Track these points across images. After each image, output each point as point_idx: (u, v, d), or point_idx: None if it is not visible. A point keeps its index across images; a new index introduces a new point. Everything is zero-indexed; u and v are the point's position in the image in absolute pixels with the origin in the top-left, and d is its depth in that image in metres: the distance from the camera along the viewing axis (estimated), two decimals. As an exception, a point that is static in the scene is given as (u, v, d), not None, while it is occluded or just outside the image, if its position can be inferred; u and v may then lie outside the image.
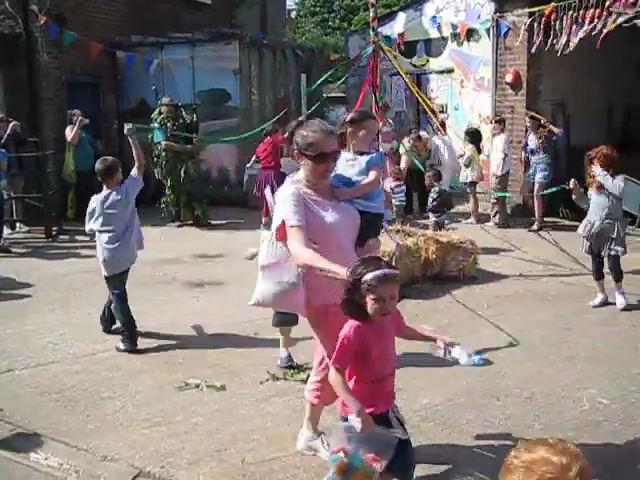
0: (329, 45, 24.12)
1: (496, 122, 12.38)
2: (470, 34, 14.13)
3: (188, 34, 14.90)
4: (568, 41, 9.86)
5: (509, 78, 12.98)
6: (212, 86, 14.63)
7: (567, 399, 5.27)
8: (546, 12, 10.45)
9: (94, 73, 14.25)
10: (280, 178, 12.29)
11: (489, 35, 13.58)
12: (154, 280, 9.06)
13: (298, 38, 28.95)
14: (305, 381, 5.58)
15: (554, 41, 10.14)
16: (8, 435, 4.82)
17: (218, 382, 5.62)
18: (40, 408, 5.23)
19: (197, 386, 5.57)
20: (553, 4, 10.27)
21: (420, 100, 10.99)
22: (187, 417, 5.04)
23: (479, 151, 12.76)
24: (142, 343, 6.62)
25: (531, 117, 12.35)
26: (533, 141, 12.15)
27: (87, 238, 11.48)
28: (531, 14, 11.69)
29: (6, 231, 11.63)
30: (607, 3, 9.07)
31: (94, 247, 10.68)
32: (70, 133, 12.97)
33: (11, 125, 11.92)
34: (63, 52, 13.26)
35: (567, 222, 12.36)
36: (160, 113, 12.74)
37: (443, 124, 13.03)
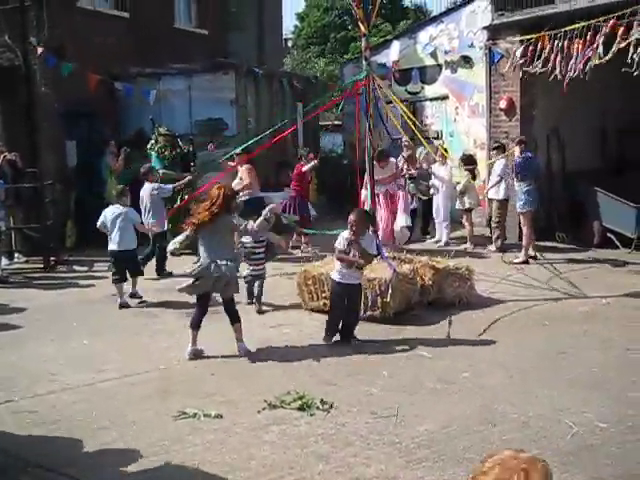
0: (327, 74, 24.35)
1: (494, 149, 12.48)
2: (464, 61, 14.30)
3: (185, 65, 15.04)
4: (560, 71, 10.00)
5: (503, 104, 13.11)
6: (209, 116, 14.74)
7: (564, 423, 5.27)
8: (538, 40, 10.56)
9: (92, 104, 14.34)
10: (301, 204, 12.49)
11: (482, 62, 13.74)
12: (148, 310, 9.09)
13: (297, 67, 29.21)
14: (302, 409, 5.62)
15: (545, 68, 10.27)
16: (5, 466, 4.81)
17: (215, 411, 5.61)
18: (38, 439, 5.22)
19: (194, 415, 5.56)
20: (544, 33, 10.40)
21: (414, 129, 11.12)
22: (184, 446, 5.03)
23: (474, 177, 12.84)
24: (139, 372, 6.66)
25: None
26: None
27: (85, 268, 11.61)
28: (523, 42, 11.83)
29: (4, 262, 11.66)
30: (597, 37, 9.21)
31: (92, 277, 10.94)
32: (114, 162, 13.42)
33: (2, 156, 12.04)
34: (61, 83, 13.38)
35: (563, 246, 12.44)
36: (157, 142, 12.86)
37: (446, 150, 13.14)
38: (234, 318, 7.21)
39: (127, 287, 9.51)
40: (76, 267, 11.82)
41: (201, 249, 7.11)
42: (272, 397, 5.84)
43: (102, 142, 14.11)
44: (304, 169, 12.74)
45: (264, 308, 8.85)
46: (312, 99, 17.13)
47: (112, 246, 9.28)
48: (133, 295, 9.50)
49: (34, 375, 6.66)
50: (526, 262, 11.32)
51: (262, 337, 7.68)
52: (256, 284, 8.88)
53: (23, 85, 13.23)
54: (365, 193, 9.70)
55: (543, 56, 10.35)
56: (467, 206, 12.71)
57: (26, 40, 13.12)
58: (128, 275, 9.41)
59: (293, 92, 16.65)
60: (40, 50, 12.87)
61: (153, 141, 13.17)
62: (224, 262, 6.94)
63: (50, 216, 12.56)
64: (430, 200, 13.24)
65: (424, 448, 4.94)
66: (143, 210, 10.73)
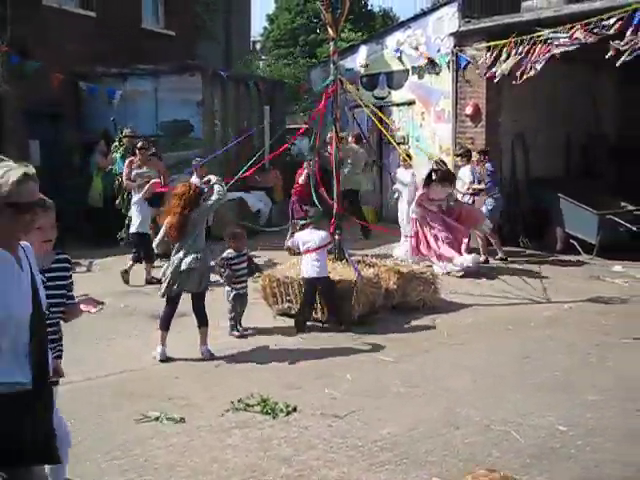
0: (290, 76, 24.29)
1: (458, 155, 12.54)
2: (431, 66, 14.38)
3: (152, 65, 14.91)
4: (520, 72, 10.14)
5: (469, 110, 13.20)
6: (175, 117, 14.62)
7: (525, 426, 5.33)
8: (503, 47, 10.70)
9: (56, 103, 14.16)
10: (297, 205, 12.35)
11: (449, 68, 13.83)
12: (115, 312, 8.97)
13: (263, 70, 29.14)
14: (265, 412, 5.60)
15: (507, 74, 10.41)
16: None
17: (178, 414, 5.57)
18: None
19: (157, 419, 5.51)
20: (506, 40, 10.53)
21: (383, 132, 11.16)
22: (146, 450, 4.99)
23: None
24: (102, 375, 6.59)
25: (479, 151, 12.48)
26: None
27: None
28: (489, 48, 11.95)
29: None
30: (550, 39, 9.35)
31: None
32: (102, 160, 13.45)
33: None
34: (25, 82, 13.19)
35: (527, 251, 12.57)
36: (121, 144, 12.74)
37: (409, 155, 13.16)
38: (202, 321, 7.14)
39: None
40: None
41: (175, 247, 7.15)
42: (236, 400, 5.82)
43: (91, 142, 14.05)
44: (300, 180, 12.64)
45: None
46: (279, 103, 17.18)
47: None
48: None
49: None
50: (486, 262, 11.60)
51: (226, 340, 7.65)
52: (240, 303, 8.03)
53: (-15, 83, 13.03)
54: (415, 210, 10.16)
55: (507, 62, 10.47)
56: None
57: (-11, 38, 12.93)
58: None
59: (260, 95, 16.57)
60: (3, 49, 12.68)
61: (117, 142, 13.05)
62: (194, 255, 6.97)
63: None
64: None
65: (387, 451, 4.95)
66: None
